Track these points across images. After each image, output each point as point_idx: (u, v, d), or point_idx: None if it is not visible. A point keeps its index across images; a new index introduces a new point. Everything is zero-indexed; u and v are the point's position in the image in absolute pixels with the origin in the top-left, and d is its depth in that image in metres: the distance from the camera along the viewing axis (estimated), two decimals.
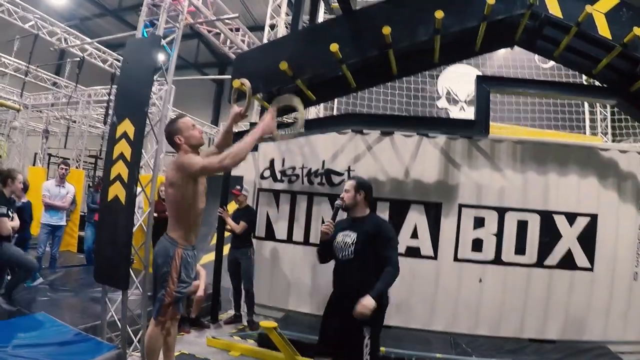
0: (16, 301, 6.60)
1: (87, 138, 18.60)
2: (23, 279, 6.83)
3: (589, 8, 5.43)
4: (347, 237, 4.95)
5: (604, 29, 5.62)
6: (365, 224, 5.01)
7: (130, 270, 5.43)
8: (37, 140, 20.96)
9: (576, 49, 6.04)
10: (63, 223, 10.06)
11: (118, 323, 5.55)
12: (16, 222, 7.12)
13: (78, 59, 13.86)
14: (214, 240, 11.32)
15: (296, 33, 7.17)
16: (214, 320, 8.08)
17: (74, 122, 18.63)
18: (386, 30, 5.48)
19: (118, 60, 15.03)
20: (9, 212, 6.86)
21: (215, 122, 27.95)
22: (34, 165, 19.75)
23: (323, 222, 7.85)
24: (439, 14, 5.39)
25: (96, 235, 5.75)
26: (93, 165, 20.09)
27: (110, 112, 15.75)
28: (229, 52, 12.05)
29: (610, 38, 5.62)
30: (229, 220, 8.01)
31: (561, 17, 5.66)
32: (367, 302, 4.51)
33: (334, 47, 5.66)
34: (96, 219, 10.19)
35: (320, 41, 6.01)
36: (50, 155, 19.92)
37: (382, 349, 6.24)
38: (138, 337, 5.73)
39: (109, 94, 14.04)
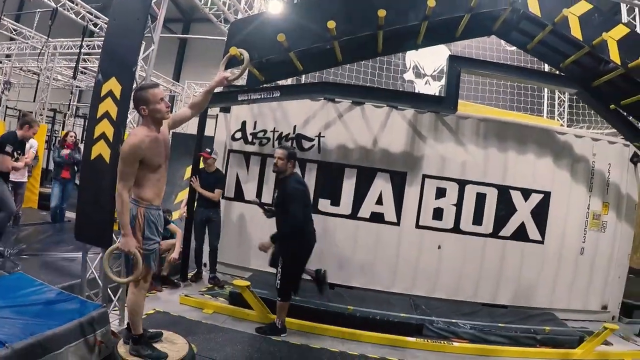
0: None
1: (44, 91, 17.76)
2: (5, 221, 6.91)
3: (565, 11, 5.87)
4: (275, 194, 6.64)
5: (576, 30, 6.04)
6: (285, 184, 6.32)
7: None
8: None
9: (548, 43, 6.44)
10: (25, 180, 9.81)
11: (99, 281, 5.61)
12: (20, 163, 7.48)
13: (47, 9, 13.39)
14: (178, 199, 11.52)
15: (294, 6, 7.29)
16: (183, 278, 8.12)
17: (35, 74, 18.01)
18: (382, 13, 5.72)
19: (90, 13, 14.73)
20: (14, 153, 7.12)
21: (177, 78, 27.19)
22: None
23: None
24: (431, 3, 5.68)
25: (78, 193, 5.64)
26: (52, 119, 19.63)
27: (81, 67, 15.50)
28: (209, 13, 12.06)
29: (582, 39, 6.06)
30: (204, 191, 7.99)
31: (539, 15, 6.04)
32: (263, 241, 6.29)
33: (331, 24, 5.84)
34: (63, 176, 10.16)
35: (317, 17, 6.18)
36: (7, 107, 19.12)
37: (350, 307, 6.65)
38: (117, 295, 5.74)
39: (80, 47, 13.70)
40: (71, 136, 10.47)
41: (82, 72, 19.35)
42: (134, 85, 5.34)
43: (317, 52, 6.56)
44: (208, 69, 25.89)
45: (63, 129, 18.96)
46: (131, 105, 5.15)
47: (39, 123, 7.44)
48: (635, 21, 12.64)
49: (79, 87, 22.42)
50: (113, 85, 5.22)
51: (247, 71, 6.06)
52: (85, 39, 13.97)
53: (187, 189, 8.36)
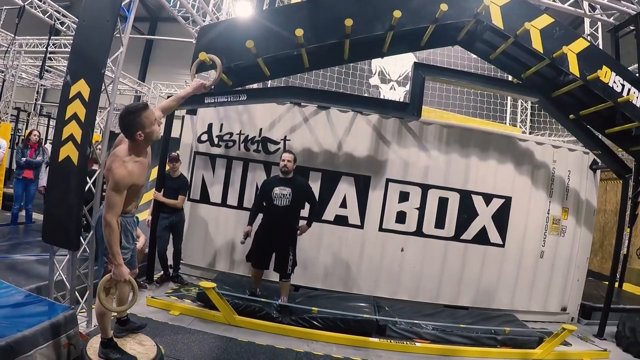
0: None
1: (9, 90, 17.43)
2: None
3: (527, 24, 6.04)
4: (284, 191, 6.98)
5: (537, 43, 6.22)
6: (296, 182, 7.15)
7: None
8: None
9: (510, 54, 6.61)
10: None
11: (66, 283, 5.52)
12: None
13: (14, 6, 13.19)
14: (143, 200, 11.46)
15: (262, 13, 7.31)
16: (149, 280, 8.08)
17: (1, 72, 17.75)
18: (348, 22, 5.82)
19: (58, 12, 14.59)
20: None
21: (142, 78, 26.87)
22: None
23: (257, 187, 8.21)
24: (397, 14, 5.80)
25: (45, 194, 5.55)
26: (15, 118, 19.32)
27: (47, 66, 15.31)
28: (177, 15, 12.05)
29: (542, 52, 6.24)
30: (167, 200, 7.99)
31: (502, 28, 6.20)
32: (306, 227, 7.25)
33: (299, 32, 5.91)
34: (25, 176, 9.98)
35: (285, 24, 6.21)
36: None
37: (314, 309, 6.79)
38: (85, 297, 5.68)
39: (47, 46, 13.57)
40: (34, 135, 10.33)
41: (47, 71, 19.07)
42: (103, 87, 5.33)
43: (285, 58, 6.61)
44: (174, 69, 25.61)
45: (27, 128, 18.69)
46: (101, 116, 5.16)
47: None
48: (597, 33, 12.95)
49: (44, 85, 22.07)
50: (82, 87, 5.15)
51: None
52: (52, 38, 13.84)
53: (153, 190, 8.30)
